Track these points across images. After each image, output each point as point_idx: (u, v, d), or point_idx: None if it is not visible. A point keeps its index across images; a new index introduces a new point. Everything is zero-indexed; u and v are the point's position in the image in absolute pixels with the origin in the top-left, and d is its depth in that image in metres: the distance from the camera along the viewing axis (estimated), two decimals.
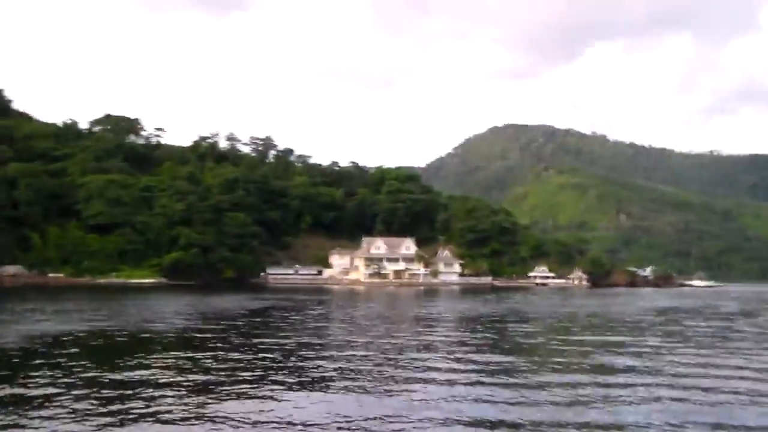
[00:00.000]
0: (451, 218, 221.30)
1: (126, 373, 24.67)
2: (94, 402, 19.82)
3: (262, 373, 25.33)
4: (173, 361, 28.24)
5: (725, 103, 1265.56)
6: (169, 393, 21.22)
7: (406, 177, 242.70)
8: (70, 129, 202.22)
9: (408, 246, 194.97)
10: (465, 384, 23.59)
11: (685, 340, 41.75)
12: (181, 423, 17.31)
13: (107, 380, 23.28)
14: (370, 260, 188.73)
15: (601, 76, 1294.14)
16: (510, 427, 17.90)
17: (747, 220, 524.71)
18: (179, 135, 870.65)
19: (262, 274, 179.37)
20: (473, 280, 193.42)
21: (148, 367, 26.20)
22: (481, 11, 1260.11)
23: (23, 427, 16.87)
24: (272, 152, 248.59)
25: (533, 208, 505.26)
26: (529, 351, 35.45)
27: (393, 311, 67.98)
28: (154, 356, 29.64)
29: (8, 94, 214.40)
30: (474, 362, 29.29)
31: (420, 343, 37.41)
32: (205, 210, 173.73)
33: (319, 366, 27.47)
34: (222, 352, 31.21)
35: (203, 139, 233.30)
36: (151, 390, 21.62)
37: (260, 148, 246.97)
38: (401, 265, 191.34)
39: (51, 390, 21.38)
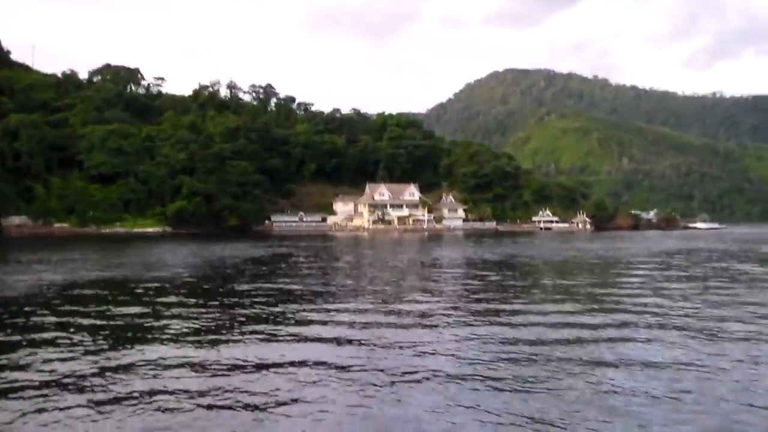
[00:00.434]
0: (453, 164, 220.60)
1: (131, 320, 24.59)
2: (96, 345, 19.74)
3: (267, 318, 25.18)
4: (179, 308, 28.12)
5: (727, 45, 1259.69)
6: (173, 338, 21.12)
7: (408, 123, 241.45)
8: (70, 79, 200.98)
9: (411, 192, 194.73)
10: (474, 326, 23.41)
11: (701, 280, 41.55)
12: (180, 368, 17.21)
13: (111, 325, 23.18)
14: (374, 207, 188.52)
15: (602, 19, 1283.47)
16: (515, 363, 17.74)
17: (749, 161, 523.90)
18: (180, 84, 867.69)
19: (266, 221, 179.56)
20: (477, 225, 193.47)
21: (153, 314, 26.11)
22: None
23: (26, 367, 16.79)
24: (273, 100, 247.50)
25: (535, 153, 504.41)
26: (537, 292, 35.35)
27: (398, 257, 67.87)
28: (160, 303, 29.52)
29: (6, 44, 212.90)
30: (480, 308, 29.10)
31: (425, 287, 37.29)
32: (208, 159, 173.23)
33: (325, 310, 27.38)
34: (227, 299, 31.08)
35: (204, 87, 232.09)
36: (155, 336, 21.54)
37: (261, 96, 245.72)
38: (405, 212, 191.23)
39: (56, 334, 21.29)
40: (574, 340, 20.26)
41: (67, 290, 33.78)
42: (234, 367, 17.02)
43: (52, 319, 24.31)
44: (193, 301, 30.52)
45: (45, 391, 14.66)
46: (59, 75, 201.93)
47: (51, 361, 17.44)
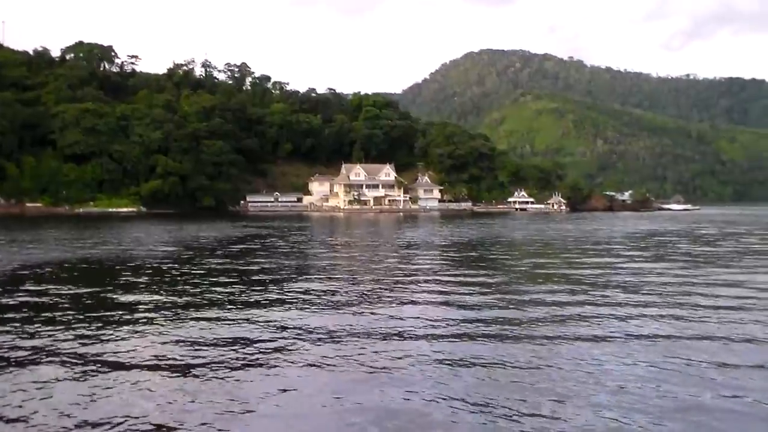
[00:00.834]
0: (429, 144, 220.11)
1: (109, 296, 24.46)
2: (77, 325, 19.63)
3: (244, 296, 25.16)
4: (155, 286, 28.01)
5: (701, 27, 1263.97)
6: (151, 314, 21.09)
7: (384, 103, 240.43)
8: (42, 57, 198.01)
9: (387, 172, 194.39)
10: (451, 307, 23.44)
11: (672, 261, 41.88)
12: (159, 343, 17.21)
13: (88, 303, 23.03)
14: (349, 187, 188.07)
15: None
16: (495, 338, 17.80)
17: (722, 144, 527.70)
18: (154, 62, 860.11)
19: (241, 202, 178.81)
20: (453, 205, 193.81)
21: (130, 291, 26.00)
22: None
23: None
24: (249, 79, 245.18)
25: (510, 134, 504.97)
26: (513, 271, 35.45)
27: (374, 237, 67.87)
28: (137, 282, 29.37)
29: None
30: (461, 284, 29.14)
31: (402, 265, 37.31)
32: (183, 138, 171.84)
33: (304, 288, 27.38)
34: (200, 279, 30.95)
35: (178, 66, 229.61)
36: (134, 312, 21.48)
37: (236, 75, 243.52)
38: (381, 192, 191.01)
39: (32, 313, 21.16)
40: (553, 317, 20.33)
41: (41, 269, 33.46)
42: (215, 343, 17.01)
43: (27, 298, 24.10)
44: (167, 280, 30.34)
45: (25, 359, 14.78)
46: (30, 52, 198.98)
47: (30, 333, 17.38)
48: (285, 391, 13.74)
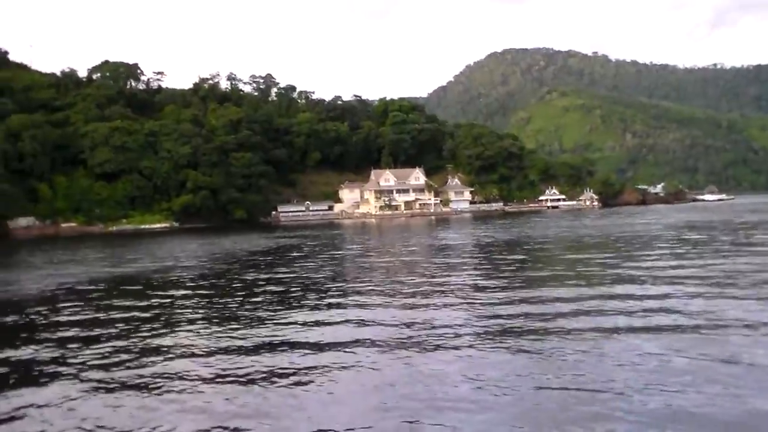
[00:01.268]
0: (457, 146, 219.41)
1: (152, 312, 24.18)
2: (122, 341, 19.36)
3: (284, 305, 24.79)
4: (196, 299, 27.74)
5: (726, 15, 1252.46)
6: (194, 327, 20.77)
7: (410, 107, 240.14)
8: (70, 78, 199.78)
9: (417, 176, 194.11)
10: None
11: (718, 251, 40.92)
12: (203, 356, 16.93)
13: (135, 319, 22.75)
14: (380, 192, 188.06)
15: None
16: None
17: (753, 132, 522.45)
18: (179, 78, 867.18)
19: (273, 213, 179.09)
20: (484, 206, 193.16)
21: (171, 306, 25.77)
22: None
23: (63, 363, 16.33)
24: (274, 90, 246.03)
25: (537, 132, 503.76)
26: (561, 268, 34.69)
27: (407, 241, 67.39)
28: (178, 295, 29.11)
29: (4, 45, 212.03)
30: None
31: (438, 267, 36.76)
32: (211, 152, 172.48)
33: (344, 292, 27.03)
34: (239, 290, 30.61)
35: (204, 80, 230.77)
36: (175, 326, 21.18)
37: (262, 87, 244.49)
38: (411, 196, 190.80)
39: (81, 332, 20.94)
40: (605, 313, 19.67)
41: (84, 288, 33.32)
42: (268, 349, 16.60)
43: (73, 317, 23.87)
44: (210, 292, 30.04)
45: (82, 376, 14.56)
46: (58, 74, 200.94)
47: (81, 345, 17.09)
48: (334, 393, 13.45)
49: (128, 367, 16.16)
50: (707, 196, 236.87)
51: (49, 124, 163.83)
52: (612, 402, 12.07)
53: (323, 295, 27.15)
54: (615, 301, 22.08)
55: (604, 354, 15.26)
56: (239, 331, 19.96)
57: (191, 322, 21.94)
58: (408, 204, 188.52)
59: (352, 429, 11.50)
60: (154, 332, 20.49)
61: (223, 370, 15.59)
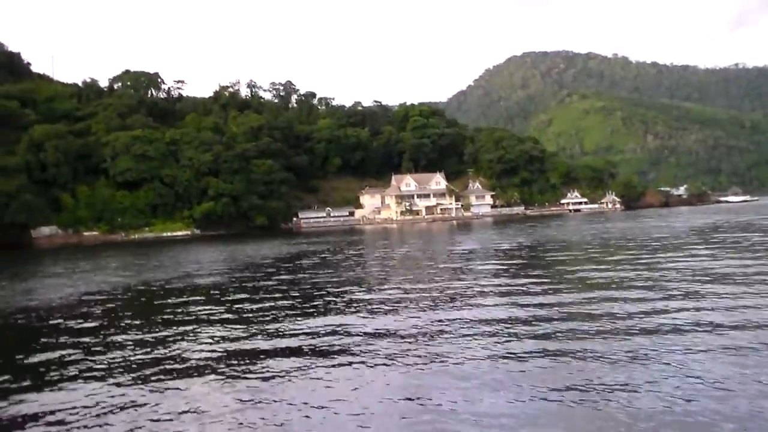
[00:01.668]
0: (478, 150, 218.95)
1: (177, 317, 23.92)
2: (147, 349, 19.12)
3: (306, 312, 24.47)
4: (220, 306, 27.48)
5: (747, 15, 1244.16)
6: (221, 342, 20.44)
7: (430, 112, 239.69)
8: (91, 88, 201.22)
9: (438, 181, 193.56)
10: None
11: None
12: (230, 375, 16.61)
13: (159, 329, 22.49)
14: (401, 198, 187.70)
15: None
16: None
17: None
18: (200, 86, 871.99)
19: (294, 219, 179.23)
20: (505, 210, 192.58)
21: (196, 310, 25.55)
22: None
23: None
24: (294, 97, 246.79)
25: (558, 135, 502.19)
26: (588, 273, 34.15)
27: (431, 246, 67.00)
28: (202, 305, 28.86)
29: (26, 56, 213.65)
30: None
31: (459, 273, 36.33)
32: (232, 159, 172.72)
33: (371, 298, 26.70)
34: (265, 296, 30.35)
35: (224, 88, 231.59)
36: (201, 337, 20.88)
37: (282, 94, 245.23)
38: (432, 201, 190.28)
39: (109, 338, 20.76)
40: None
41: (106, 296, 33.18)
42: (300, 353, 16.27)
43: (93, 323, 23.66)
44: (231, 299, 29.77)
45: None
46: (80, 84, 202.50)
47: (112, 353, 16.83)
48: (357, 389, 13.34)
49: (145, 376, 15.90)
50: (731, 198, 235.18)
51: (71, 134, 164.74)
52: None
53: (342, 301, 26.82)
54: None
55: None
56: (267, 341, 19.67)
57: (212, 328, 21.71)
58: (429, 209, 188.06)
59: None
60: (174, 339, 20.23)
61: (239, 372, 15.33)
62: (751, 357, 14.77)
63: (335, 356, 17.06)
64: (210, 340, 20.17)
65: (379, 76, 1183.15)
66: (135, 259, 68.56)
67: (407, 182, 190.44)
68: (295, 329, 20.93)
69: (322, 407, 13.08)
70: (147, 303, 30.96)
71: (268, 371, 15.92)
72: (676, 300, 22.40)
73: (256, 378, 15.44)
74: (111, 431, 12.38)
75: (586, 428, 11.19)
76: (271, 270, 46.07)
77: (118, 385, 15.42)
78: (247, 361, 17.14)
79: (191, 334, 21.20)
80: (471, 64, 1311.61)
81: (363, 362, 16.17)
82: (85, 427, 12.57)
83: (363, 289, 31.00)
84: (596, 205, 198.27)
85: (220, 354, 18.22)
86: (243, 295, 31.13)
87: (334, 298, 27.85)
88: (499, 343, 17.48)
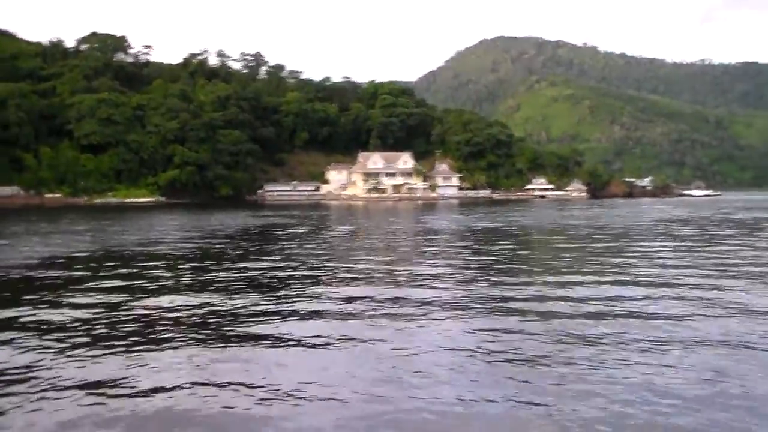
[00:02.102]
0: (446, 132, 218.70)
1: (144, 290, 23.23)
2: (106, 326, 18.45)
3: (264, 289, 23.88)
4: (181, 278, 26.77)
5: (715, 11, 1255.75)
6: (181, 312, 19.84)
7: (400, 91, 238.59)
8: (57, 48, 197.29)
9: (405, 160, 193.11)
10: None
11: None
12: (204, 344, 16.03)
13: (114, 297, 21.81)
14: (367, 175, 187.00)
15: None
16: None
17: (739, 128, 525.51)
18: (168, 52, 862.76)
19: (259, 191, 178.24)
20: (472, 193, 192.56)
21: (165, 284, 24.87)
22: None
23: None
24: (263, 68, 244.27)
25: (525, 121, 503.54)
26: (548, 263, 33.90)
27: (395, 224, 66.66)
28: (161, 272, 28.20)
29: None
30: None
31: (421, 254, 35.97)
32: (199, 128, 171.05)
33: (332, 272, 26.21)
34: (227, 265, 29.78)
35: (193, 56, 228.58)
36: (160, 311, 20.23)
37: (251, 65, 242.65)
38: (399, 180, 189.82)
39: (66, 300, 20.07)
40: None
41: (67, 262, 32.35)
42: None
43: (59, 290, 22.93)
44: (197, 271, 29.12)
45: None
46: (45, 43, 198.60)
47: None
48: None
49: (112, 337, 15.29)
50: (694, 191, 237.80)
51: (35, 93, 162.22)
52: None
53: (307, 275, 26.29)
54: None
55: None
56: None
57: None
58: (396, 188, 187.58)
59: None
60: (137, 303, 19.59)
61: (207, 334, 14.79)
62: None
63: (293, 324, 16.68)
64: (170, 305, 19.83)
65: (349, 53, 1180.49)
66: (98, 224, 67.37)
67: (374, 160, 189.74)
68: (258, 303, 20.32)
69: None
70: (106, 267, 30.18)
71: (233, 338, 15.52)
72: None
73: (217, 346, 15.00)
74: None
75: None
76: (241, 241, 45.47)
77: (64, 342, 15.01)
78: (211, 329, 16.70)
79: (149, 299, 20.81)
80: (442, 45, 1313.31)
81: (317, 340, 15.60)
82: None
83: (322, 266, 30.44)
84: (562, 192, 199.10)
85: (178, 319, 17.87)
86: (205, 264, 30.58)
87: (297, 272, 27.29)
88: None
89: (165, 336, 15.97)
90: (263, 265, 29.98)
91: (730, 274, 25.46)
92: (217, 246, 41.55)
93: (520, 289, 22.14)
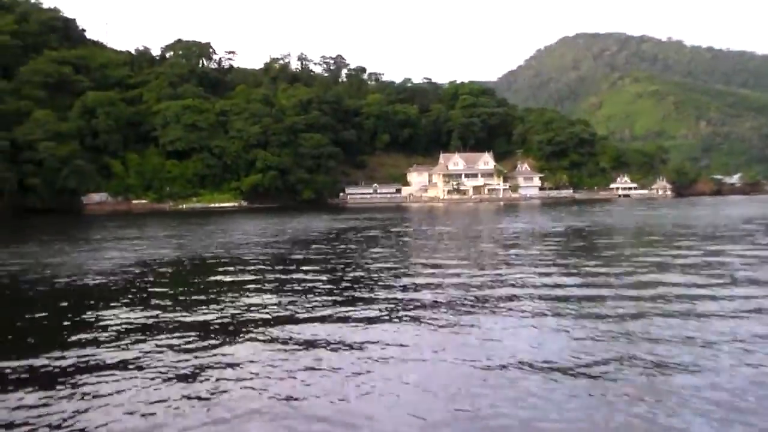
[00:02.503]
0: (527, 131, 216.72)
1: (236, 293, 23.50)
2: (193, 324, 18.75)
3: (351, 294, 23.83)
4: (275, 281, 26.97)
5: None
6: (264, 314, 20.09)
7: (480, 91, 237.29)
8: (144, 56, 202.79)
9: (486, 161, 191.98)
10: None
11: None
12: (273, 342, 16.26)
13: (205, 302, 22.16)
14: (448, 176, 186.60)
15: None
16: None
17: None
18: (250, 57, 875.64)
19: (340, 194, 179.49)
20: (554, 193, 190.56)
21: (244, 289, 25.11)
22: None
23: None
24: (344, 71, 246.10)
25: (608, 119, 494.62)
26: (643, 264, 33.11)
27: (478, 228, 66.12)
28: (251, 277, 28.47)
29: (81, 23, 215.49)
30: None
31: (509, 257, 35.48)
32: (281, 132, 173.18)
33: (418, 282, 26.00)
34: (314, 272, 29.88)
35: (275, 60, 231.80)
36: (245, 311, 20.49)
37: (332, 68, 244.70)
38: (480, 181, 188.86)
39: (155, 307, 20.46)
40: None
41: (158, 269, 32.98)
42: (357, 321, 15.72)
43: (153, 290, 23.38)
44: (286, 272, 29.36)
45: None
46: (132, 52, 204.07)
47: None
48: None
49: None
50: None
51: (123, 101, 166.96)
52: None
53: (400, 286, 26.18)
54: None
55: None
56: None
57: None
58: (476, 189, 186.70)
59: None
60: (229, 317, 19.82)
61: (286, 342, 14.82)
62: None
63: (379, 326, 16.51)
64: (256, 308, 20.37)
65: (430, 54, 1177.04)
66: (184, 230, 68.64)
67: (455, 161, 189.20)
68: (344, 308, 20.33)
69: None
70: (194, 271, 30.69)
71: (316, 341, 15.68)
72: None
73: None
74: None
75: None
76: (319, 245, 45.71)
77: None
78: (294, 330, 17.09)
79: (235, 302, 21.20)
80: (522, 44, 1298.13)
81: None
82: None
83: (412, 269, 30.30)
84: (646, 191, 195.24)
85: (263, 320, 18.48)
86: (289, 267, 30.82)
87: (378, 276, 27.19)
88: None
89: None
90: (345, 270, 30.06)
91: None
92: (300, 252, 41.83)
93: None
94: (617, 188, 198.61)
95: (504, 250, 40.49)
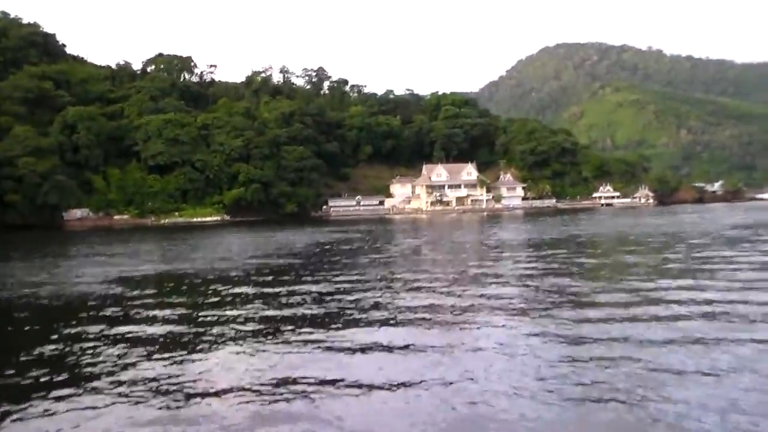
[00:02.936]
0: (510, 141, 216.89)
1: (213, 311, 23.23)
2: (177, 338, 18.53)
3: (336, 307, 23.66)
4: (259, 298, 26.71)
5: None
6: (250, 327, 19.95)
7: (463, 101, 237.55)
8: (124, 70, 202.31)
9: (469, 171, 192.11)
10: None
11: None
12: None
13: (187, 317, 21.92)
14: (431, 188, 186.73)
15: None
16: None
17: None
18: (232, 71, 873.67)
19: (324, 207, 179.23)
20: (537, 203, 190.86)
21: (227, 304, 24.87)
22: None
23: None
24: (326, 83, 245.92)
25: (590, 128, 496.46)
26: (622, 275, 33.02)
27: (462, 239, 66.01)
28: (232, 293, 28.20)
29: (61, 38, 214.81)
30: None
31: (493, 270, 35.34)
32: (263, 145, 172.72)
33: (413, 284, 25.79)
34: (296, 287, 29.63)
35: (256, 73, 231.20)
36: (232, 325, 20.36)
37: (314, 80, 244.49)
38: (463, 192, 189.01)
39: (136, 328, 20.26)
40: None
41: (141, 284, 32.63)
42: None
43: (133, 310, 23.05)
44: (268, 290, 29.06)
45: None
46: (113, 66, 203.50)
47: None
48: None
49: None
50: (767, 195, 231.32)
51: (104, 116, 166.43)
52: None
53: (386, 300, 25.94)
54: None
55: None
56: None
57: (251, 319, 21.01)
58: (459, 200, 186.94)
59: None
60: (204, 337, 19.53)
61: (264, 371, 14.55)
62: None
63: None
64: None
65: (411, 65, 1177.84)
66: (166, 245, 68.20)
67: (438, 172, 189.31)
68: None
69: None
70: (174, 287, 30.39)
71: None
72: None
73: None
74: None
75: None
76: (311, 259, 45.45)
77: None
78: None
79: (225, 337, 20.21)
80: (503, 54, 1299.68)
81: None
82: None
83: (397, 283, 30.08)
84: (629, 200, 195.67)
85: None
86: (270, 279, 30.57)
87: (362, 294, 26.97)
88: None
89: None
90: (342, 279, 29.78)
91: None
92: (281, 266, 41.55)
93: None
94: (600, 197, 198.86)
95: (486, 264, 40.39)
